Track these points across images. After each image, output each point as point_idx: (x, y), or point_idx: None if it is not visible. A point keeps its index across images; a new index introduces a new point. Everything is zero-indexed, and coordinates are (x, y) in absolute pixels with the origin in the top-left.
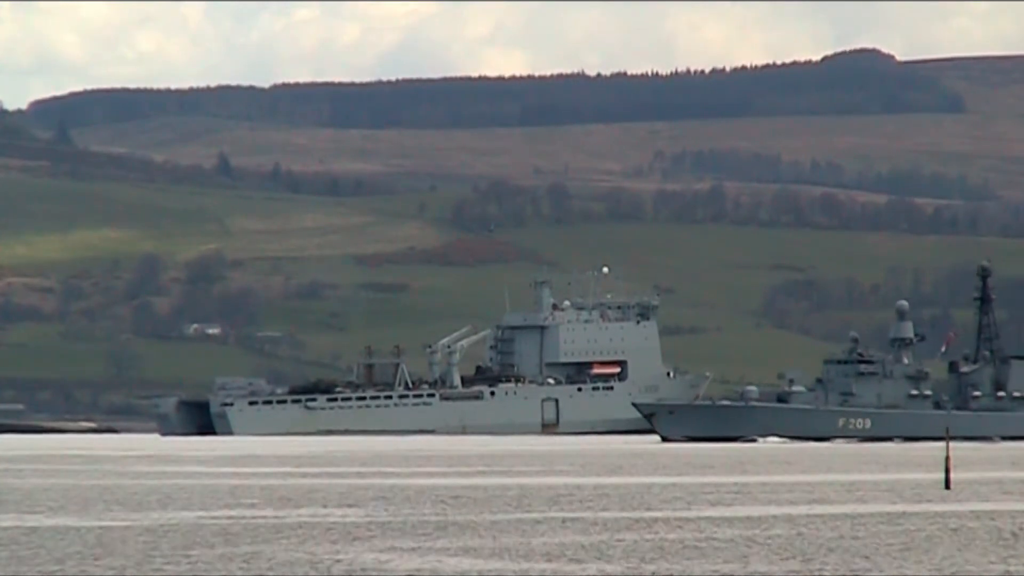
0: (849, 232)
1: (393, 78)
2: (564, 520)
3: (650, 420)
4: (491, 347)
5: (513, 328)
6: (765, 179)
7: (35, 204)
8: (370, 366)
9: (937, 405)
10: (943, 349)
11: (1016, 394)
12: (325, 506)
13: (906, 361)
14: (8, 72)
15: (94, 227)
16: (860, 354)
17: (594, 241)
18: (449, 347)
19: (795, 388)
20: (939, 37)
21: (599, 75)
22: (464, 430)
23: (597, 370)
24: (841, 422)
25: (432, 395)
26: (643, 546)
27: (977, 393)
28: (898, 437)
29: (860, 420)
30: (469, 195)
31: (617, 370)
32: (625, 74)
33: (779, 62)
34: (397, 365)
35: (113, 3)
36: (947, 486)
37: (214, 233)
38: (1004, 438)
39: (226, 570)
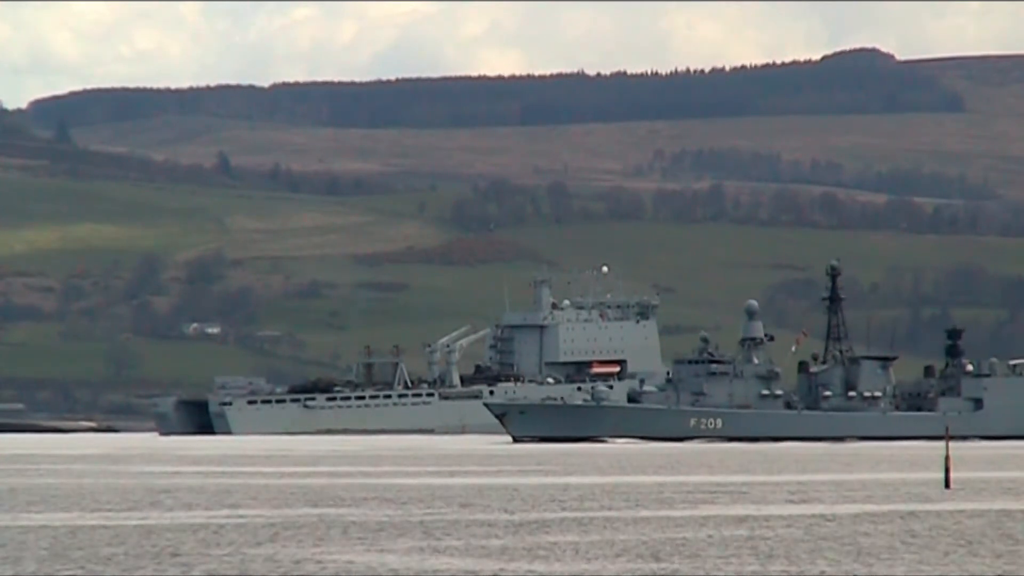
0: (849, 232)
1: (393, 77)
2: (564, 520)
3: (501, 420)
4: (490, 346)
5: (512, 327)
6: (765, 179)
7: (35, 203)
8: (369, 365)
9: (788, 405)
10: (794, 348)
11: (866, 394)
12: (323, 506)
13: (756, 361)
14: (6, 71)
15: (94, 226)
16: (710, 354)
17: (594, 240)
18: (448, 346)
19: (646, 388)
20: (934, 35)
21: (598, 75)
22: (464, 429)
23: (597, 369)
24: (693, 422)
25: (431, 394)
26: (641, 546)
27: (827, 393)
28: (750, 437)
29: (711, 420)
30: (469, 195)
31: (617, 369)
32: (624, 73)
33: (778, 62)
34: (396, 364)
35: (110, 2)
36: (947, 485)
37: (214, 232)
38: (855, 438)
39: (223, 570)
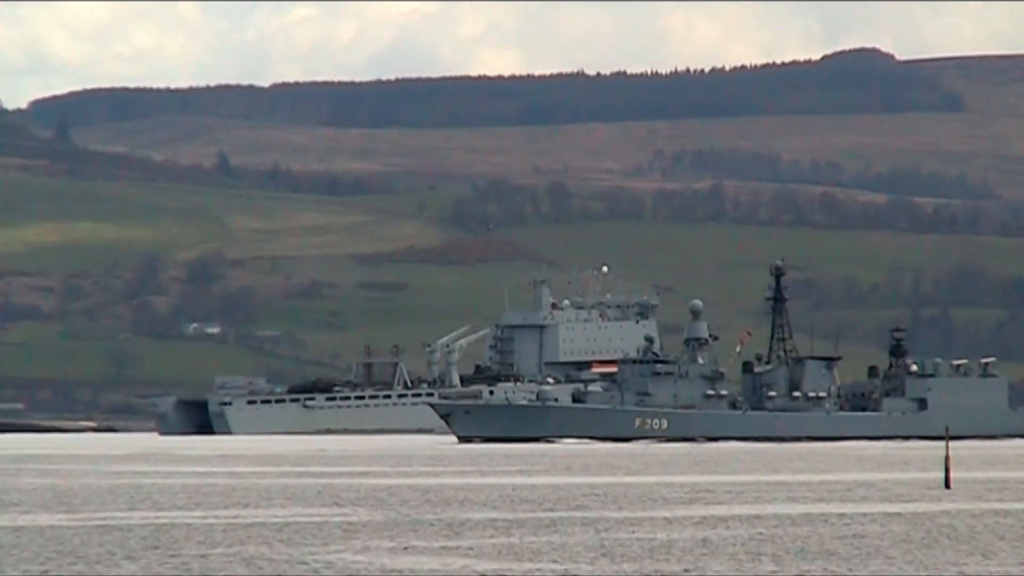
0: (849, 231)
1: (392, 77)
2: (562, 519)
3: (446, 420)
4: (490, 346)
5: (512, 327)
6: (764, 178)
7: (35, 203)
8: (369, 365)
9: (733, 405)
10: (738, 349)
11: (811, 394)
12: (322, 506)
13: (701, 361)
14: (5, 71)
15: (94, 226)
16: (655, 354)
17: (594, 240)
18: (448, 346)
19: (591, 388)
20: (933, 35)
21: (598, 74)
22: None
23: (596, 369)
24: (638, 422)
25: (431, 394)
26: (640, 546)
27: (772, 393)
28: (695, 437)
29: (657, 420)
30: (468, 194)
31: (616, 369)
32: (624, 73)
33: (778, 62)
34: (396, 364)
35: (109, 1)
36: (947, 485)
37: (214, 232)
38: (799, 438)
39: (222, 570)
